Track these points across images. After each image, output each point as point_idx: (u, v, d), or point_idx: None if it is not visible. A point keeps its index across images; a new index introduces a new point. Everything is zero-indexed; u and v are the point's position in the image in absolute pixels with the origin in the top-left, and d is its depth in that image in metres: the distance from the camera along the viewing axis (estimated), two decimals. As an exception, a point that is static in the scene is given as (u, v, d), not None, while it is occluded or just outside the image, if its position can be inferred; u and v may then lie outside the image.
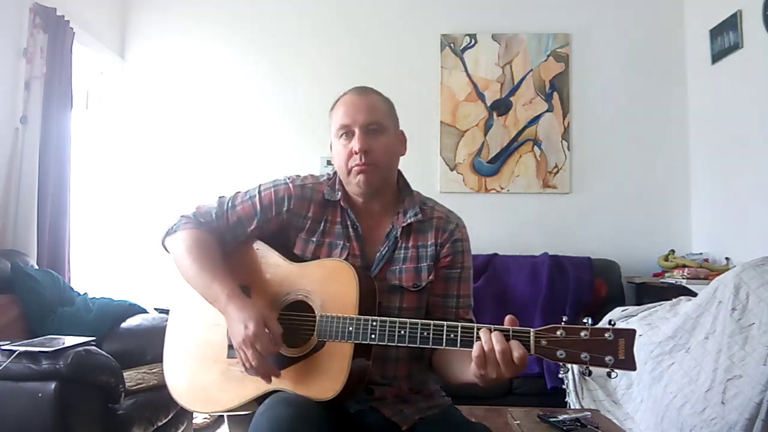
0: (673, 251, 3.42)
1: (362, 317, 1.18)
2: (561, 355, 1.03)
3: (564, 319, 1.07)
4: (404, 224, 1.34)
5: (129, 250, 3.66)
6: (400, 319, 1.16)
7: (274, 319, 1.21)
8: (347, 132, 1.32)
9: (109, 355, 1.97)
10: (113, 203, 3.70)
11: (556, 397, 2.68)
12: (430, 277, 1.32)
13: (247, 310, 1.19)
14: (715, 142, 3.41)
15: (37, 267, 2.61)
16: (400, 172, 1.42)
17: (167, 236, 1.38)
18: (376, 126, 1.32)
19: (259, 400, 1.21)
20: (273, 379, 1.21)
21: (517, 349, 1.03)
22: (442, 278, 1.35)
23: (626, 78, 3.72)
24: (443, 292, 1.35)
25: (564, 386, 2.69)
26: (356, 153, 1.29)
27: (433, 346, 1.13)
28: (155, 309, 2.72)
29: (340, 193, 1.37)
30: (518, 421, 1.74)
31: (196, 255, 1.29)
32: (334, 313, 1.20)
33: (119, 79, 3.77)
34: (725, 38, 3.20)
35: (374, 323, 1.16)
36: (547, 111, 3.72)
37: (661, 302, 2.66)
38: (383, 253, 1.33)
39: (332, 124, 1.37)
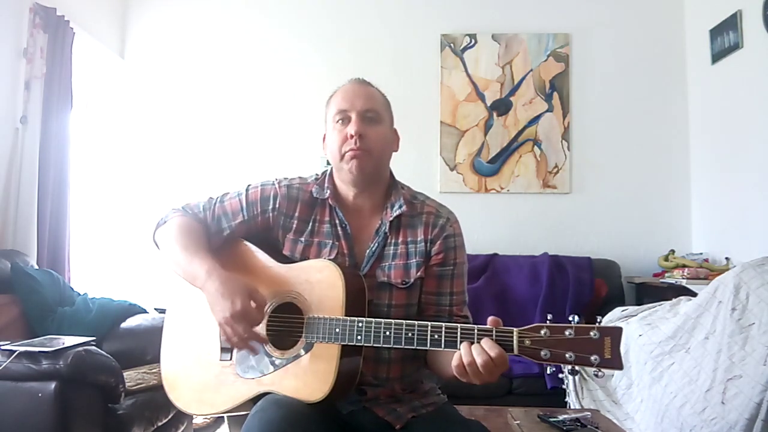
0: (673, 251, 3.42)
1: (349, 318, 1.17)
2: (545, 355, 1.02)
3: (549, 317, 1.06)
4: (391, 218, 1.34)
5: (129, 250, 3.66)
6: (386, 320, 1.15)
7: (257, 291, 1.21)
8: (344, 118, 1.32)
9: (109, 355, 1.97)
10: (113, 203, 3.70)
11: (556, 397, 2.68)
12: (419, 274, 1.31)
13: (230, 284, 1.18)
14: (715, 142, 3.41)
15: (37, 267, 2.61)
16: (390, 172, 1.42)
17: (157, 228, 1.39)
18: (373, 114, 1.33)
19: (253, 401, 1.21)
20: (265, 381, 1.22)
21: (498, 355, 1.03)
22: (435, 276, 1.33)
23: (626, 78, 3.72)
24: (436, 290, 1.34)
25: (564, 386, 2.69)
26: (351, 137, 1.29)
27: (418, 347, 1.13)
28: (155, 309, 2.72)
29: (329, 190, 1.36)
30: (518, 421, 1.74)
31: (179, 237, 1.30)
32: (321, 315, 1.20)
33: (119, 79, 3.77)
34: (725, 38, 3.20)
35: (360, 324, 1.16)
36: (547, 111, 3.72)
37: (661, 302, 2.66)
38: (373, 249, 1.33)
39: (328, 112, 1.37)
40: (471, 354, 1.05)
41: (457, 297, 1.35)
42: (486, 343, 1.05)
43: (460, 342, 1.08)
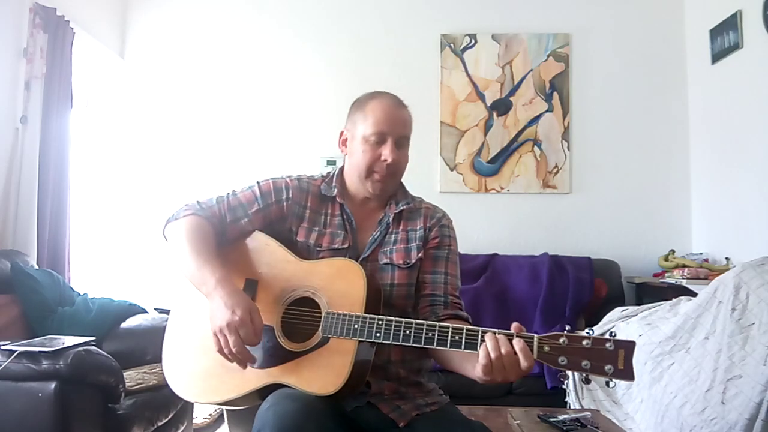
0: (673, 251, 3.42)
1: (368, 315, 1.20)
2: (563, 361, 1.07)
3: (567, 328, 1.11)
4: (396, 211, 1.42)
5: (129, 250, 3.66)
6: (406, 320, 1.18)
7: (258, 312, 1.22)
8: (380, 140, 1.36)
9: (109, 355, 1.97)
10: (113, 203, 3.70)
11: (556, 397, 2.68)
12: (420, 255, 1.39)
13: (236, 297, 1.20)
14: (715, 142, 3.41)
15: (37, 267, 2.61)
16: None
17: (168, 224, 1.41)
18: (405, 140, 1.40)
19: (259, 392, 1.22)
20: (275, 372, 1.23)
21: (525, 358, 1.06)
22: (431, 258, 1.41)
23: (626, 78, 3.72)
24: (432, 269, 1.40)
25: (564, 386, 2.69)
26: (385, 161, 1.35)
27: (438, 347, 1.15)
28: (155, 309, 2.72)
29: (336, 189, 1.43)
30: (518, 421, 1.74)
31: (191, 239, 1.32)
32: (340, 311, 1.22)
33: (119, 79, 3.77)
34: (725, 38, 3.20)
35: (380, 322, 1.19)
36: (547, 111, 3.72)
37: (661, 302, 2.66)
38: (375, 237, 1.40)
39: (360, 122, 1.39)
40: (497, 343, 1.07)
41: (451, 278, 1.41)
42: (514, 342, 1.08)
43: (481, 343, 1.10)
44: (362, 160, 1.37)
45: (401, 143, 1.38)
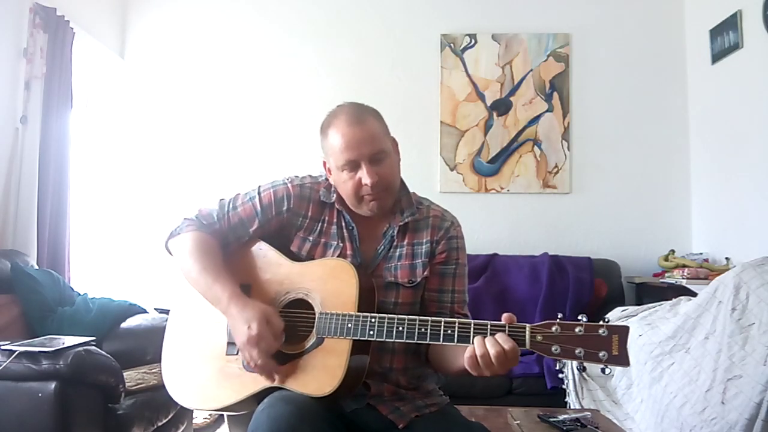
0: (673, 251, 3.42)
1: (361, 314, 1.20)
2: (556, 350, 1.06)
3: (560, 316, 1.09)
4: (401, 223, 1.37)
5: (129, 250, 3.66)
6: (399, 316, 1.18)
7: (275, 315, 1.23)
8: (353, 166, 1.30)
9: (109, 355, 1.97)
10: (113, 203, 3.70)
11: (556, 397, 2.68)
12: (425, 273, 1.35)
13: (248, 310, 1.21)
14: (715, 142, 3.41)
15: (37, 267, 2.61)
16: (400, 178, 1.43)
17: (170, 239, 1.40)
18: (381, 154, 1.31)
19: (257, 397, 1.22)
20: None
21: (511, 348, 1.07)
22: (437, 274, 1.37)
23: (626, 78, 3.72)
24: (438, 287, 1.37)
25: (564, 386, 2.69)
26: (367, 185, 1.28)
27: (431, 342, 1.16)
28: (155, 309, 2.72)
29: (335, 195, 1.38)
30: (518, 421, 1.75)
31: (197, 256, 1.31)
32: (333, 311, 1.22)
33: (119, 79, 3.76)
34: (725, 38, 3.20)
35: (373, 320, 1.18)
36: (547, 111, 3.72)
37: (661, 302, 2.66)
38: (379, 251, 1.36)
39: (330, 152, 1.33)
40: (485, 346, 1.08)
41: (459, 296, 1.38)
42: (500, 336, 1.08)
43: (473, 336, 1.10)
44: (346, 189, 1.32)
45: (378, 158, 1.29)
